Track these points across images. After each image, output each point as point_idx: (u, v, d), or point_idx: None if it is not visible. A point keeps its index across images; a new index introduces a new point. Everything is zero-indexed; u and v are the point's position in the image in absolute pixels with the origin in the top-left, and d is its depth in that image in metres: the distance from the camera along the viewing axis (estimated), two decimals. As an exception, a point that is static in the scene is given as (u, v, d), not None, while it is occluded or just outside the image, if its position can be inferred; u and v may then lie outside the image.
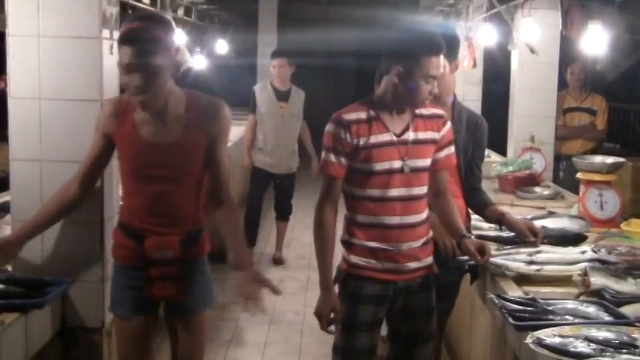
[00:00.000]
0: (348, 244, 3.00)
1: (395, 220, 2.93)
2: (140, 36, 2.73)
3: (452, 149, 3.09)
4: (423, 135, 2.97)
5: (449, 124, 3.07)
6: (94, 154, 3.00)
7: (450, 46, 3.45)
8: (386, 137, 2.92)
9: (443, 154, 3.05)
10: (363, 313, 2.98)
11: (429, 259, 3.05)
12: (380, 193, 2.92)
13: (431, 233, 3.06)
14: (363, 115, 2.93)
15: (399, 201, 2.92)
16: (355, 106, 2.97)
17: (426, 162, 2.98)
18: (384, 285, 2.97)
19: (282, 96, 6.80)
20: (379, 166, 2.91)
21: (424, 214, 3.01)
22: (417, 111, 2.98)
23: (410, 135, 2.95)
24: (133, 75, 2.74)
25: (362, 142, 2.89)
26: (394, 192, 2.92)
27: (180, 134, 2.88)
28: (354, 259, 2.97)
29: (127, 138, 2.89)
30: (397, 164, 2.91)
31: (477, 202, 3.54)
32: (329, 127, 2.93)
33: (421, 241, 2.99)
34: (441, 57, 2.89)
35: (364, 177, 2.92)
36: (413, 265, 2.98)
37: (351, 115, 2.93)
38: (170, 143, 2.87)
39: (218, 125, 2.93)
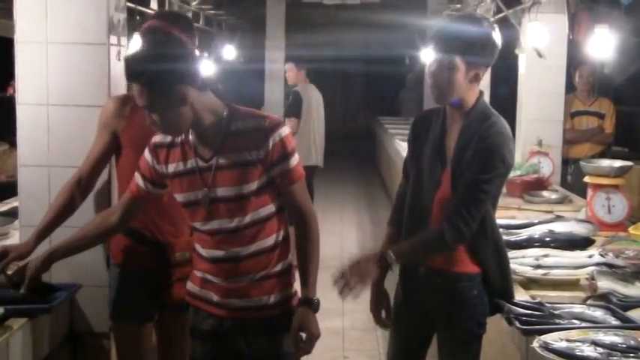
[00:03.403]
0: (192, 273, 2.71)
1: (212, 253, 2.53)
2: None
3: (291, 162, 2.49)
4: (233, 157, 2.46)
5: (278, 135, 2.46)
6: (101, 151, 2.96)
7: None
8: (189, 165, 2.51)
9: (276, 170, 2.47)
10: (196, 350, 2.65)
11: (271, 299, 2.55)
12: (194, 225, 2.57)
13: (278, 267, 2.56)
14: (168, 138, 2.55)
15: (210, 235, 2.52)
16: None
17: (236, 190, 2.46)
18: (215, 319, 2.59)
19: None
20: (183, 198, 2.54)
21: (255, 246, 2.51)
22: (233, 126, 2.47)
23: (217, 160, 2.48)
24: None
25: (163, 169, 2.56)
26: (199, 225, 2.53)
27: None
28: (189, 285, 2.66)
29: (140, 134, 2.83)
30: (200, 195, 2.49)
31: None
32: None
33: (257, 275, 2.52)
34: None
35: None
36: (239, 302, 2.54)
37: (158, 138, 2.58)
38: None
39: None
